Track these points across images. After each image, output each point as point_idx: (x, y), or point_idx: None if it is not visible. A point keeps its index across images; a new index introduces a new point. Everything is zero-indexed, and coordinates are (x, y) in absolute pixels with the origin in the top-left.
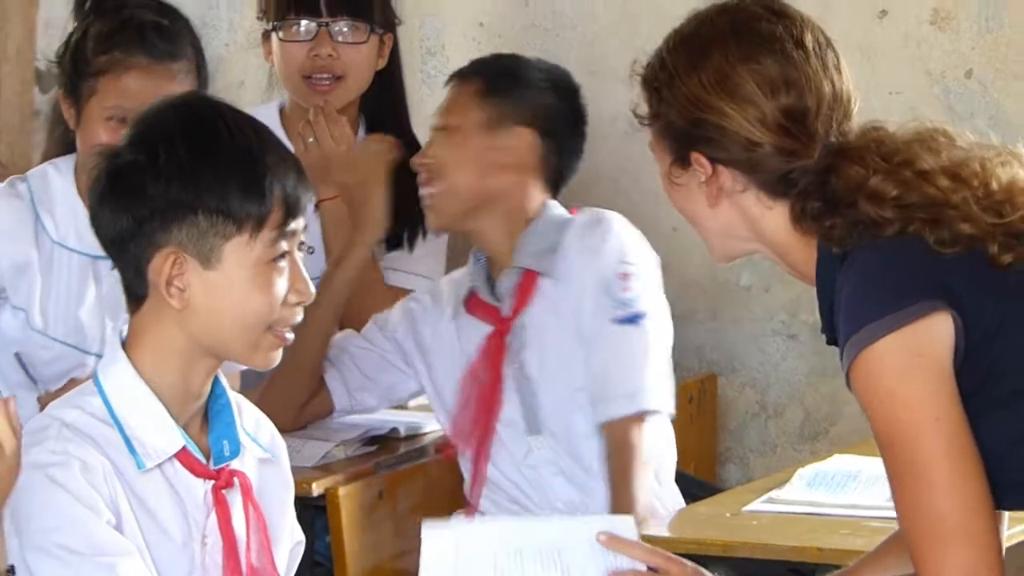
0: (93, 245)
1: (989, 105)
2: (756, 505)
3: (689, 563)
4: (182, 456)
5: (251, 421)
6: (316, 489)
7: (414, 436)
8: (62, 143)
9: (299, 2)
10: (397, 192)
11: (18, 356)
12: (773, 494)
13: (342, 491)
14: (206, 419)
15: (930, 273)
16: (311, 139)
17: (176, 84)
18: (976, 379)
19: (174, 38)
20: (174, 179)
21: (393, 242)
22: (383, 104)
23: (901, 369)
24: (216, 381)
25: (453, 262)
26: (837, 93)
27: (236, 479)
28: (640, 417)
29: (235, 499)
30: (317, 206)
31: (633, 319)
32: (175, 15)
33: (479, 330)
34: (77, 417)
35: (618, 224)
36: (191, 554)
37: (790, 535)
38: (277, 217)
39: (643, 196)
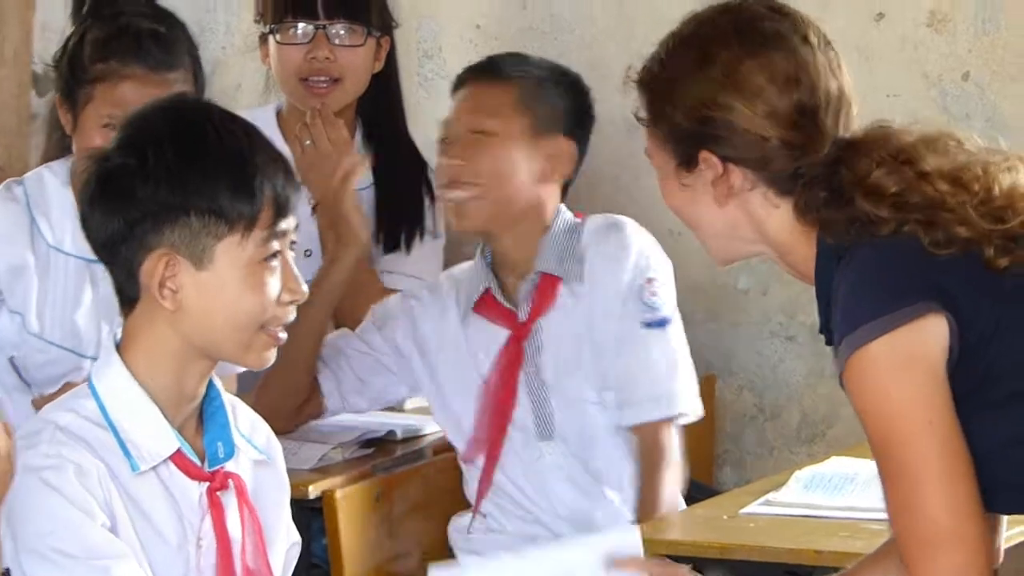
0: (89, 249)
1: (986, 107)
2: (753, 507)
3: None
4: (177, 458)
5: (246, 423)
6: (313, 491)
7: (411, 439)
8: (60, 147)
9: (296, 5)
10: (395, 194)
11: (12, 360)
12: (770, 496)
13: (339, 493)
14: (201, 421)
15: (926, 275)
16: (308, 142)
17: (172, 92)
18: (970, 381)
19: (171, 46)
20: (164, 181)
21: (390, 244)
22: (380, 107)
23: (895, 371)
24: (210, 383)
25: (449, 265)
26: (841, 90)
27: (231, 481)
28: (671, 420)
29: (230, 501)
30: (314, 209)
31: (661, 323)
32: (172, 21)
33: (492, 333)
34: (71, 420)
35: (635, 229)
36: (186, 556)
37: (787, 537)
38: (268, 216)
39: (641, 199)
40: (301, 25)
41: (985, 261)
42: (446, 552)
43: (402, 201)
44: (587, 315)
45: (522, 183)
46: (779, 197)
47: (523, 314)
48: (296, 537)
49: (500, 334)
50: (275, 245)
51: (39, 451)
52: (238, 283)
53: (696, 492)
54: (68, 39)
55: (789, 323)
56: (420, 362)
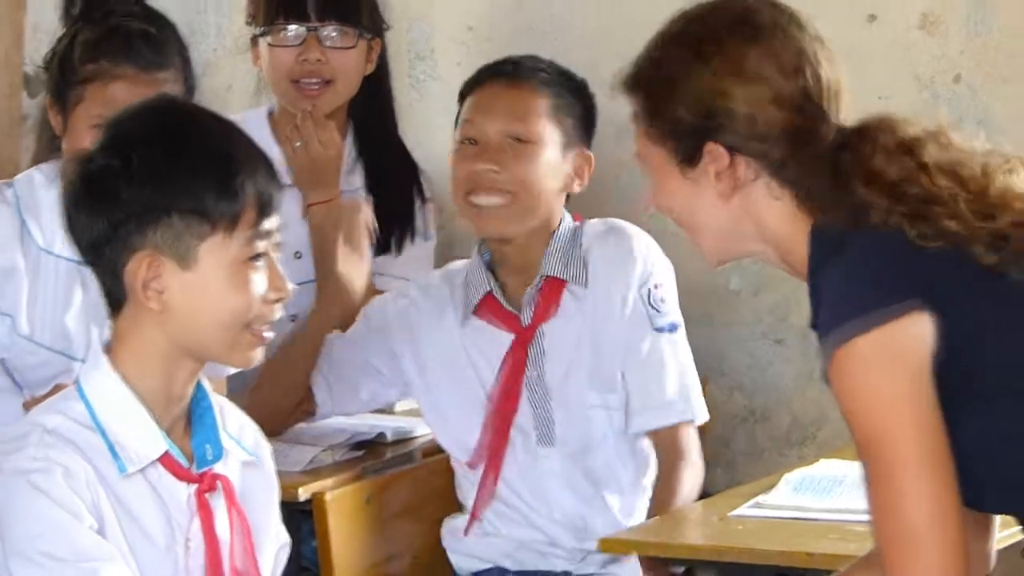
0: None
1: (978, 109)
2: (743, 510)
3: None
4: (165, 460)
5: (235, 424)
6: (303, 494)
7: (401, 441)
8: (51, 148)
9: (287, 7)
10: (386, 196)
11: (3, 362)
12: (760, 499)
13: (329, 496)
14: (189, 423)
15: (914, 273)
16: (299, 144)
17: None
18: (955, 380)
19: (161, 47)
20: (147, 182)
21: (381, 246)
22: (371, 109)
23: (880, 367)
24: (198, 385)
25: (439, 267)
26: (838, 79)
27: (219, 483)
28: (689, 423)
29: (218, 503)
30: (305, 211)
31: (672, 328)
32: (163, 22)
33: (493, 337)
34: (59, 423)
35: (639, 234)
36: (174, 558)
37: (777, 540)
38: (251, 216)
39: (632, 201)
40: (292, 27)
41: (974, 258)
42: (437, 554)
43: (393, 203)
44: (591, 319)
45: (550, 192)
46: (781, 188)
47: (526, 318)
48: (286, 538)
49: (501, 337)
50: (260, 245)
51: (27, 454)
52: (223, 282)
53: None
54: (59, 40)
55: (779, 325)
56: (413, 363)
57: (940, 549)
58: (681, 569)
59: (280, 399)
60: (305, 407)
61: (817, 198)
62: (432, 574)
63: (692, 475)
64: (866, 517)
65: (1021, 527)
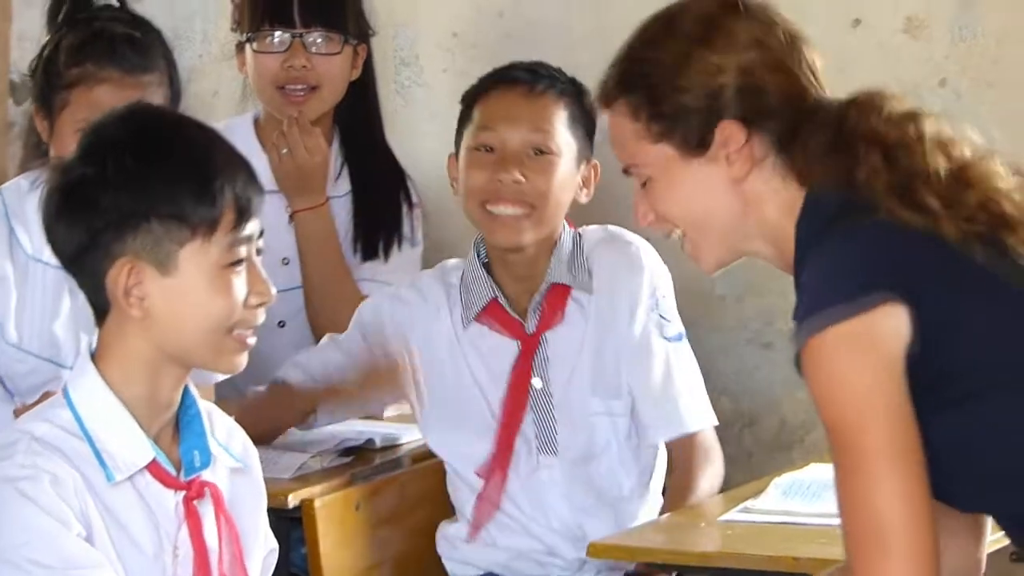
0: None
1: (963, 114)
2: (732, 515)
3: None
4: (153, 468)
5: (223, 430)
6: (292, 500)
7: (390, 447)
8: (37, 155)
9: (273, 13)
10: (372, 202)
11: None
12: (748, 503)
13: (318, 502)
14: (177, 430)
15: (892, 265)
16: (285, 150)
17: (147, 96)
18: (931, 375)
19: (145, 50)
20: (124, 188)
21: (368, 252)
22: (357, 115)
23: (851, 357)
24: (186, 391)
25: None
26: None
27: (207, 490)
28: (709, 428)
29: (207, 510)
30: (291, 217)
31: (679, 336)
32: (147, 27)
33: (495, 343)
34: (47, 431)
35: (641, 242)
36: (163, 566)
37: (766, 544)
38: (230, 220)
39: (617, 207)
40: (278, 33)
41: (950, 247)
42: (427, 560)
43: (379, 209)
44: (594, 325)
45: (565, 203)
46: (786, 169)
47: (531, 325)
48: (273, 544)
49: (503, 343)
50: (241, 251)
51: (15, 462)
52: (204, 288)
53: None
54: (44, 47)
55: (767, 330)
56: (408, 367)
57: (909, 545)
58: (672, 575)
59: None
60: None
61: (815, 162)
62: None
63: (712, 473)
64: None
65: (1002, 528)
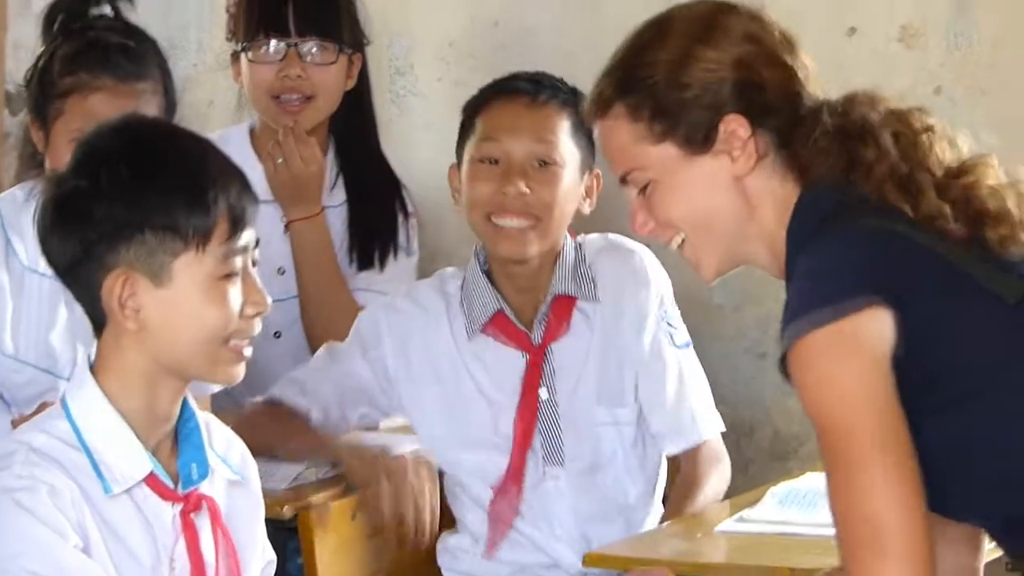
0: None
1: (958, 122)
2: (728, 524)
3: None
4: (150, 480)
5: (221, 442)
6: (288, 511)
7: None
8: (32, 165)
9: (268, 23)
10: (368, 211)
11: None
12: (745, 513)
13: (314, 513)
14: (175, 442)
15: (878, 269)
16: (280, 160)
17: (142, 104)
18: (918, 382)
19: (140, 59)
20: (117, 200)
21: (363, 262)
22: (352, 124)
23: (837, 358)
24: (185, 403)
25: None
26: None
27: (205, 503)
28: (718, 434)
29: (204, 523)
30: (287, 227)
31: (688, 344)
32: (141, 36)
33: (500, 355)
34: (45, 442)
35: (641, 248)
36: None
37: (762, 554)
38: (223, 230)
39: (617, 216)
40: (273, 43)
41: (932, 239)
42: (424, 570)
43: (375, 218)
44: (599, 334)
45: (569, 214)
46: (785, 167)
47: (537, 337)
48: (271, 555)
49: (509, 355)
50: (236, 262)
51: (12, 472)
52: (198, 298)
53: None
54: (39, 57)
55: (763, 340)
56: (405, 377)
57: (904, 544)
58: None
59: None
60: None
61: (815, 163)
62: None
63: (719, 477)
64: None
65: (993, 538)
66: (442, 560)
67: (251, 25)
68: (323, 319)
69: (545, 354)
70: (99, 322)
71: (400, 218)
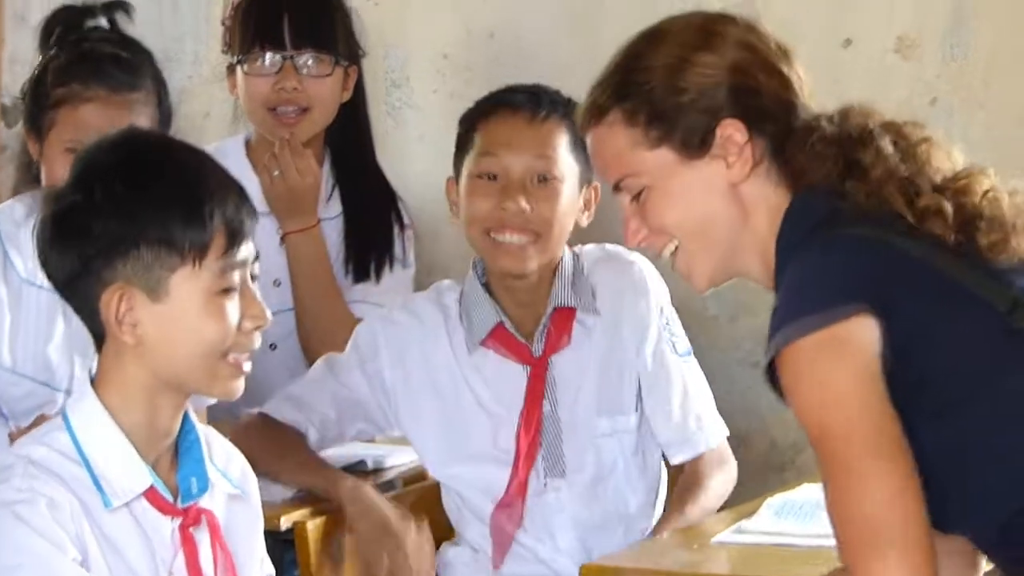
0: None
1: (954, 133)
2: (725, 536)
3: None
4: (150, 494)
5: (221, 455)
6: (284, 523)
7: (381, 469)
8: (29, 178)
9: (263, 35)
10: (364, 223)
11: None
12: (742, 524)
13: (310, 525)
14: (176, 455)
15: (866, 277)
16: (276, 172)
17: (134, 115)
18: (909, 390)
19: (133, 69)
20: (113, 215)
21: (359, 274)
22: (348, 136)
23: (831, 362)
24: (186, 417)
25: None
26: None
27: (204, 517)
28: (724, 439)
29: (203, 537)
30: (283, 239)
31: (689, 352)
32: (136, 47)
33: (501, 368)
34: (44, 455)
35: (639, 258)
36: None
37: (760, 565)
38: (220, 244)
39: (612, 226)
40: (268, 55)
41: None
42: None
43: (371, 230)
44: (600, 345)
45: (568, 228)
46: (779, 174)
47: (538, 349)
48: (270, 569)
49: (510, 369)
50: (234, 277)
51: (11, 485)
52: (196, 313)
53: None
54: (35, 69)
55: (758, 350)
56: (403, 389)
57: (904, 543)
58: None
59: None
60: None
61: (808, 169)
62: None
63: (724, 478)
64: None
65: (983, 551)
66: (441, 572)
67: (247, 37)
68: (319, 331)
69: (546, 366)
70: (100, 336)
71: (396, 230)
